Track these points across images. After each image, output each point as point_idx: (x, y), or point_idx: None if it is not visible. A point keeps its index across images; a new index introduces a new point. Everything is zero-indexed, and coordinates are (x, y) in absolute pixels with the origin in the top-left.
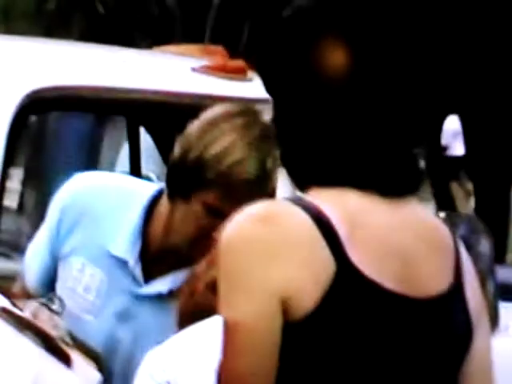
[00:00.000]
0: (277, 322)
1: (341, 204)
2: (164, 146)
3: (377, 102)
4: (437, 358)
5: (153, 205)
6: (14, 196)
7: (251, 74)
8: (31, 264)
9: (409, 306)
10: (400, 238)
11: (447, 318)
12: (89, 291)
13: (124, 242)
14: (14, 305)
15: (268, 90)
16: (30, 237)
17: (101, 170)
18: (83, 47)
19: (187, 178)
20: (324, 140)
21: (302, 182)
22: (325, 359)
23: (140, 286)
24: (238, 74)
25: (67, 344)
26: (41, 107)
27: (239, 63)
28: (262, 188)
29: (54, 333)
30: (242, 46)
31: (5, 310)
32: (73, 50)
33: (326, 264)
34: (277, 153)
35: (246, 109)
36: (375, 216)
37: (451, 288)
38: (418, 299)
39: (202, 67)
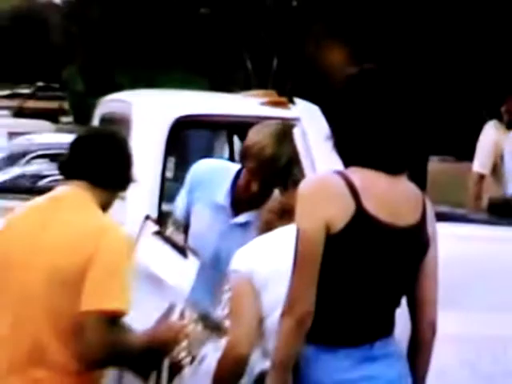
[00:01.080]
0: (322, 234)
1: (361, 175)
2: None
3: (389, 124)
4: (412, 257)
5: (240, 173)
6: (171, 170)
7: (290, 105)
8: (178, 206)
9: (395, 231)
10: (392, 194)
11: (419, 236)
12: (206, 222)
13: (224, 195)
14: (161, 229)
15: (329, 120)
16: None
17: None
18: (211, 94)
19: (243, 155)
20: (356, 144)
21: (345, 163)
22: (346, 256)
23: (231, 219)
24: (282, 105)
25: (185, 246)
26: (184, 126)
27: (283, 100)
28: (277, 163)
29: (179, 241)
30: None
31: (157, 233)
32: (203, 95)
33: (349, 205)
34: (289, 146)
35: (281, 123)
36: (379, 182)
37: (419, 220)
38: (401, 227)
39: (265, 102)
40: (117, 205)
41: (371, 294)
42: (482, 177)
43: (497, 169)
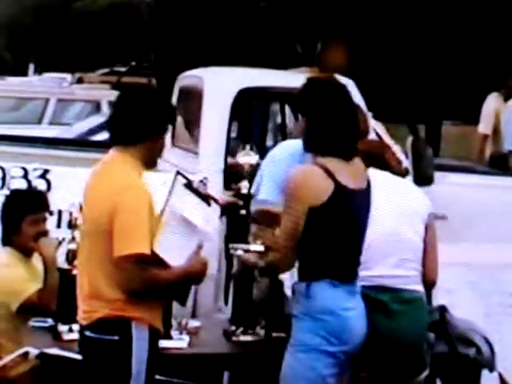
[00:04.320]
0: (305, 214)
1: (330, 162)
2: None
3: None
4: (368, 212)
5: None
6: (235, 132)
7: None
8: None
9: (359, 192)
10: (351, 171)
11: (369, 196)
12: None
13: None
14: (190, 182)
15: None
16: None
17: (268, 129)
18: (267, 70)
19: None
20: (326, 140)
21: (316, 153)
22: (335, 216)
23: None
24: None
25: (209, 196)
26: (245, 96)
27: (325, 75)
28: None
29: (204, 191)
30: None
31: (187, 185)
32: (261, 71)
33: (330, 184)
34: None
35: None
36: (342, 165)
37: (367, 185)
38: (361, 189)
39: (310, 77)
40: (190, 159)
41: (354, 240)
42: (485, 136)
43: (497, 131)
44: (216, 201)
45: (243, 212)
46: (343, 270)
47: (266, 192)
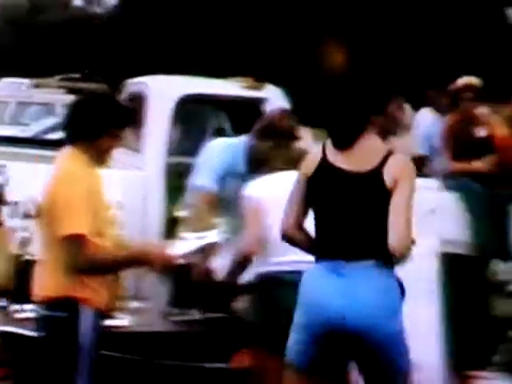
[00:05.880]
0: (304, 178)
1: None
2: (234, 118)
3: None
4: (367, 194)
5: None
6: (177, 133)
7: (261, 88)
8: (207, 181)
9: (351, 175)
10: (351, 156)
11: (374, 178)
12: (234, 189)
13: (243, 165)
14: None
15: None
16: None
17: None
18: (207, 79)
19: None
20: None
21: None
22: (310, 192)
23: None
24: (256, 88)
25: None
26: (186, 102)
27: (257, 84)
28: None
29: None
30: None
31: None
32: (201, 79)
33: (319, 156)
34: None
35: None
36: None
37: (373, 168)
38: (357, 172)
39: (244, 86)
40: (135, 156)
41: (336, 219)
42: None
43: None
44: None
45: None
46: (323, 246)
47: (201, 178)
